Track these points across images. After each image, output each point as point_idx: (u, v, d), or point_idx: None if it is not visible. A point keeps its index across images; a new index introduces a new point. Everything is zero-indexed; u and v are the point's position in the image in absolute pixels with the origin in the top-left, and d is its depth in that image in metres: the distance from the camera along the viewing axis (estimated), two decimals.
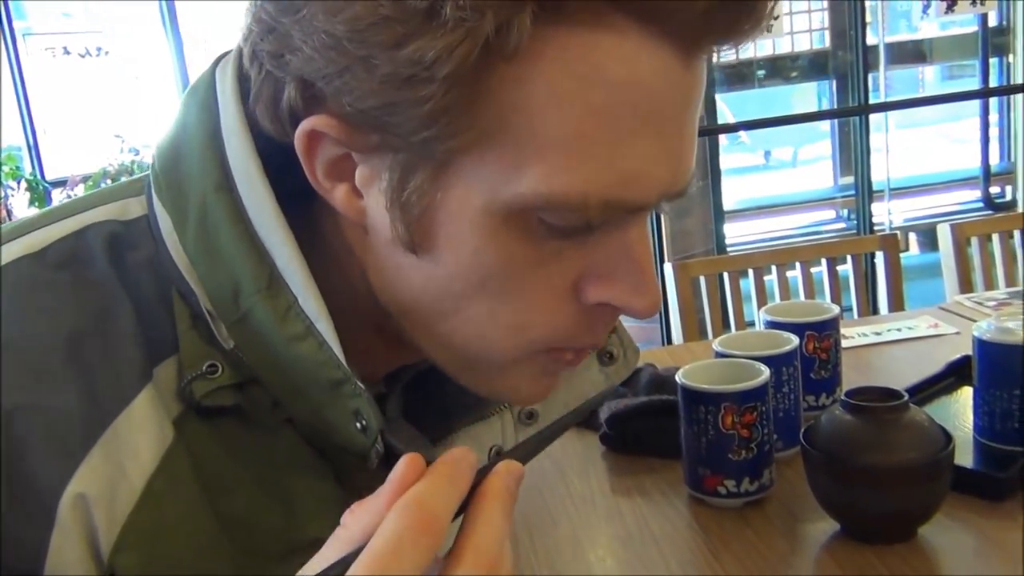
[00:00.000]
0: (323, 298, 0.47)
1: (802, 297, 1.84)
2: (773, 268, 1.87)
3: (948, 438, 0.80)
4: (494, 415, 0.62)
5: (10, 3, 2.87)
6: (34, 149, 2.70)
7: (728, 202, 4.49)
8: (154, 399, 0.46)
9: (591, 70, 0.42)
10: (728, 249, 4.27)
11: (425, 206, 0.45)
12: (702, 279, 1.86)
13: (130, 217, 0.51)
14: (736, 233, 4.70)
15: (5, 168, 2.80)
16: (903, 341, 1.33)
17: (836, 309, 1.09)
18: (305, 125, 0.45)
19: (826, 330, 1.06)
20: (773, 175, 7.41)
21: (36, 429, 0.43)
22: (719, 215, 4.22)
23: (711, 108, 4.12)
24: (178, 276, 0.48)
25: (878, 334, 1.36)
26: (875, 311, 2.21)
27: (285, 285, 0.47)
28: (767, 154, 7.65)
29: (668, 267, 1.87)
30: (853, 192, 4.07)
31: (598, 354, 0.63)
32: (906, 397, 0.81)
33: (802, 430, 0.85)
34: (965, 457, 0.93)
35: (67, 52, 3.52)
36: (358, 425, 0.48)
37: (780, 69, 4.94)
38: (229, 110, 0.48)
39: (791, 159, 7.61)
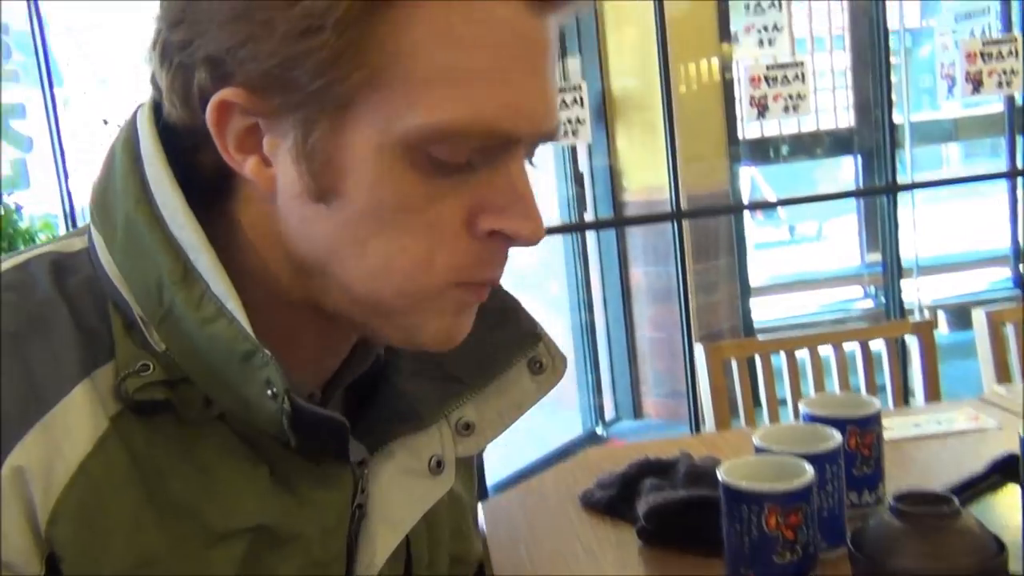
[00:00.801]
0: (245, 284, 0.52)
1: (835, 378, 1.82)
2: (805, 348, 1.86)
3: (1000, 546, 0.78)
4: (432, 425, 0.63)
5: (52, 73, 2.95)
6: (70, 217, 2.75)
7: (754, 278, 4.49)
8: (91, 394, 0.51)
9: (463, 11, 0.48)
10: (755, 326, 4.24)
11: (328, 154, 0.50)
12: (733, 361, 1.85)
13: (73, 250, 0.57)
14: (763, 309, 4.68)
15: (41, 236, 2.86)
16: (944, 436, 1.30)
17: (877, 404, 1.07)
18: (215, 99, 0.50)
19: (868, 425, 1.05)
20: (798, 249, 7.42)
21: None
22: (745, 291, 4.21)
23: (736, 181, 4.15)
24: (112, 290, 0.54)
25: (918, 426, 1.33)
26: (907, 392, 2.18)
27: (198, 274, 0.51)
28: (792, 228, 7.67)
29: (699, 349, 1.85)
30: (881, 269, 4.05)
31: (528, 363, 0.65)
32: (956, 503, 0.80)
33: (848, 534, 0.83)
34: (1016, 563, 0.90)
35: (105, 123, 3.62)
36: (269, 393, 0.51)
37: (805, 145, 4.98)
38: (145, 133, 0.54)
39: (816, 233, 7.62)
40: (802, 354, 1.86)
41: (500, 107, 0.50)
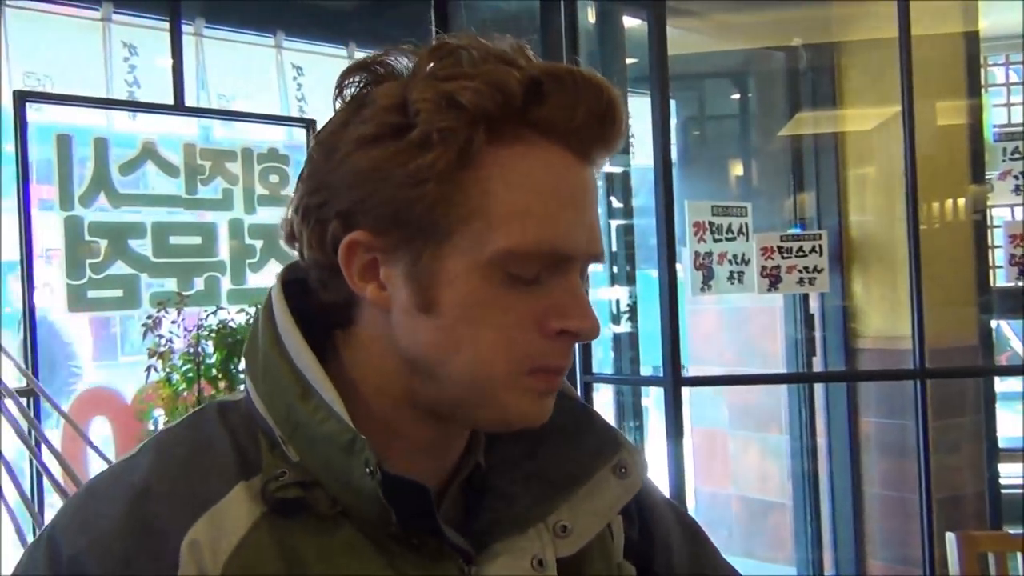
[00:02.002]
0: (358, 388, 0.69)
1: None
2: None
3: None
4: (531, 528, 0.72)
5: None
6: None
7: (1003, 436, 4.10)
8: (245, 493, 0.66)
9: (524, 168, 0.65)
10: (1002, 492, 3.85)
11: (431, 274, 0.65)
12: (990, 557, 1.69)
13: (236, 398, 0.73)
14: (1012, 474, 4.24)
15: None
16: None
17: None
18: (345, 240, 0.66)
19: None
20: None
21: (167, 505, 0.65)
22: (992, 452, 3.85)
23: (987, 339, 3.84)
24: (260, 418, 0.69)
25: None
26: None
27: (314, 390, 0.66)
28: None
29: (950, 539, 1.71)
30: None
31: (613, 468, 0.75)
32: None
33: None
34: None
35: None
36: (367, 470, 0.63)
37: None
38: (276, 296, 0.71)
39: None
40: None
41: (557, 235, 0.65)
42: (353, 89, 0.68)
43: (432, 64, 0.65)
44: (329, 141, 0.68)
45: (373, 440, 0.65)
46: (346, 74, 0.69)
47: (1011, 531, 3.82)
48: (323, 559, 0.66)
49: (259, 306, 0.74)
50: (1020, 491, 4.39)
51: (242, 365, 0.79)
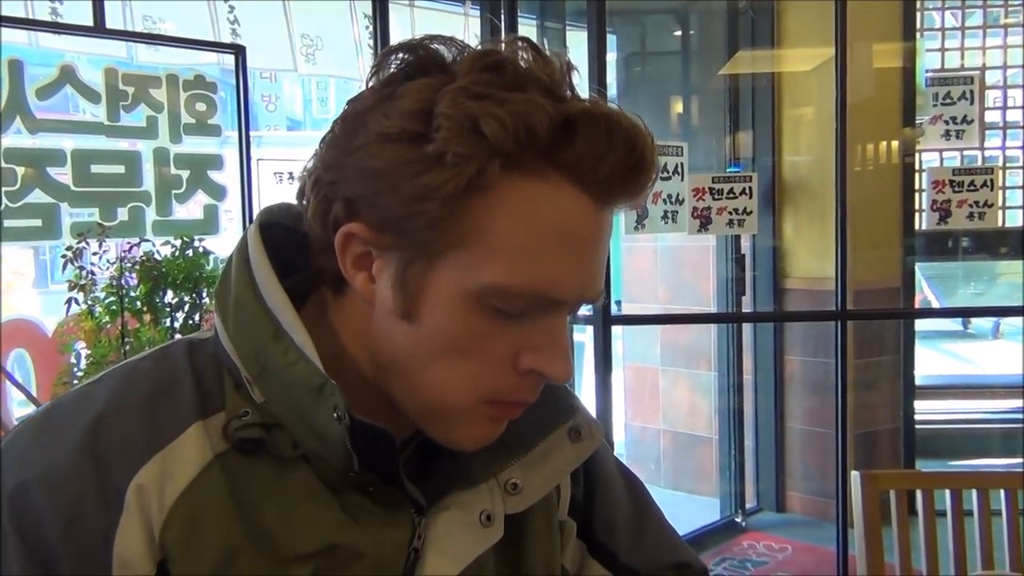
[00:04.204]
0: (331, 360, 0.66)
1: (1005, 535, 1.69)
2: (974, 493, 1.74)
3: None
4: (483, 484, 0.74)
5: (250, 127, 3.16)
6: None
7: (920, 374, 4.25)
8: (201, 434, 0.66)
9: (534, 206, 0.62)
10: (916, 428, 4.01)
11: (418, 287, 0.64)
12: (892, 494, 1.75)
13: (205, 336, 0.74)
14: (927, 410, 4.41)
15: None
16: None
17: None
18: (344, 228, 0.65)
19: None
20: (971, 346, 6.96)
21: (117, 441, 0.65)
22: (909, 391, 4.00)
23: (909, 281, 3.95)
24: (227, 358, 0.69)
25: None
26: None
27: (284, 331, 0.66)
28: (965, 321, 7.22)
29: (855, 477, 1.77)
30: None
31: (568, 432, 0.77)
32: None
33: None
34: None
35: (291, 177, 3.84)
36: (335, 415, 0.63)
37: (988, 243, 4.69)
38: (253, 238, 0.70)
39: (992, 329, 7.14)
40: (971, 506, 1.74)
41: (549, 279, 0.64)
42: (392, 69, 0.66)
43: (471, 75, 0.62)
44: (355, 121, 0.66)
45: (343, 388, 0.66)
46: (387, 53, 0.66)
47: (922, 466, 3.99)
48: (276, 501, 0.66)
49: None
50: (934, 427, 4.58)
51: (208, 303, 0.78)
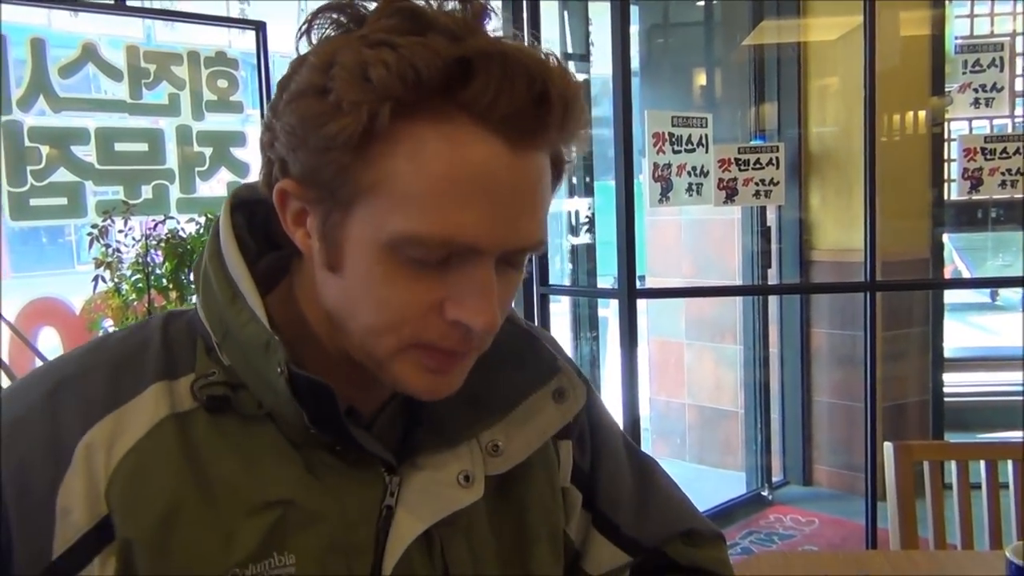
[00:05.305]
0: (296, 327, 0.71)
1: None
2: (1009, 465, 1.72)
3: None
4: (463, 445, 0.75)
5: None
6: None
7: (949, 347, 4.20)
8: (161, 394, 0.68)
9: (435, 149, 0.62)
10: (945, 400, 3.97)
11: (337, 238, 0.65)
12: (926, 465, 1.73)
13: (189, 308, 0.76)
14: (955, 383, 4.37)
15: None
16: None
17: None
18: (277, 186, 0.67)
19: None
20: (1000, 317, 6.87)
21: (75, 400, 0.68)
22: (938, 363, 3.95)
23: (938, 252, 3.89)
24: (199, 325, 0.72)
25: None
26: None
27: (241, 295, 0.69)
28: (993, 293, 7.12)
29: (887, 448, 1.75)
30: None
31: (553, 394, 0.77)
32: None
33: None
34: None
35: None
36: (279, 370, 0.66)
37: (1018, 213, 4.62)
38: (224, 211, 0.74)
39: (1021, 301, 7.03)
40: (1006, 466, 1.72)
41: (461, 226, 0.62)
42: (321, 32, 0.67)
43: (372, 23, 0.63)
44: (283, 82, 0.67)
45: (311, 354, 0.70)
46: (315, 15, 0.67)
47: (951, 438, 3.96)
48: (240, 456, 0.68)
49: (210, 215, 0.76)
50: (963, 399, 4.53)
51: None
